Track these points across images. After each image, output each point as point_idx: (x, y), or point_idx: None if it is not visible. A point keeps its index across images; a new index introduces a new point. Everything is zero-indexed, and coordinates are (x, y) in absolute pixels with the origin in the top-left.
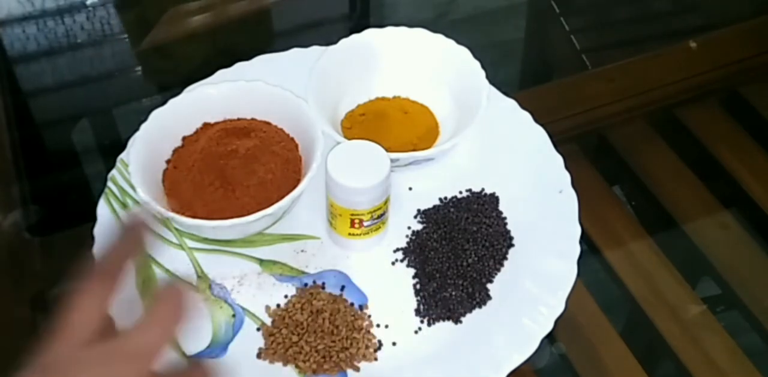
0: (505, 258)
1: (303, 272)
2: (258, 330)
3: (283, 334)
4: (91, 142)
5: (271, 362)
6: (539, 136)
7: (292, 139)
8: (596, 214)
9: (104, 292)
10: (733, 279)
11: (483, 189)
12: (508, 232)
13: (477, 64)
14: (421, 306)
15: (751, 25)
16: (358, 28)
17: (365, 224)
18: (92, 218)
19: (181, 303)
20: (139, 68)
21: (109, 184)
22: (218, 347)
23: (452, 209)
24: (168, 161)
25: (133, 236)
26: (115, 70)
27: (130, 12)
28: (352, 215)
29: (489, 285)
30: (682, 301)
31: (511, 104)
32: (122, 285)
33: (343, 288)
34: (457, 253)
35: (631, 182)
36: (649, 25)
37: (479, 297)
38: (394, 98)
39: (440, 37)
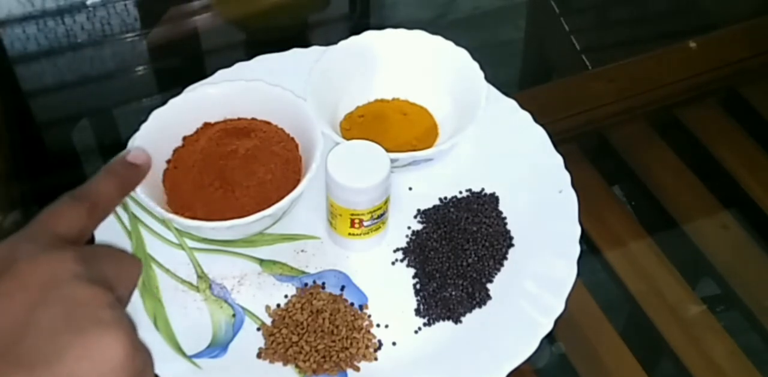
0: (505, 258)
1: (303, 272)
2: (258, 329)
3: (283, 334)
4: (91, 142)
5: (271, 362)
6: (539, 136)
7: (292, 139)
8: (596, 214)
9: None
10: (733, 279)
11: (483, 189)
12: (508, 232)
13: (476, 65)
14: (421, 306)
15: (751, 25)
16: (358, 29)
17: (365, 224)
18: None
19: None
20: (140, 68)
21: None
22: (218, 347)
23: (452, 209)
24: (168, 161)
25: (132, 171)
26: (115, 70)
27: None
28: (352, 215)
29: (489, 285)
30: (682, 301)
31: (511, 104)
32: (109, 211)
33: (343, 287)
34: (457, 253)
35: (631, 182)
36: (649, 25)
37: (479, 297)
38: (393, 99)
39: (439, 38)
